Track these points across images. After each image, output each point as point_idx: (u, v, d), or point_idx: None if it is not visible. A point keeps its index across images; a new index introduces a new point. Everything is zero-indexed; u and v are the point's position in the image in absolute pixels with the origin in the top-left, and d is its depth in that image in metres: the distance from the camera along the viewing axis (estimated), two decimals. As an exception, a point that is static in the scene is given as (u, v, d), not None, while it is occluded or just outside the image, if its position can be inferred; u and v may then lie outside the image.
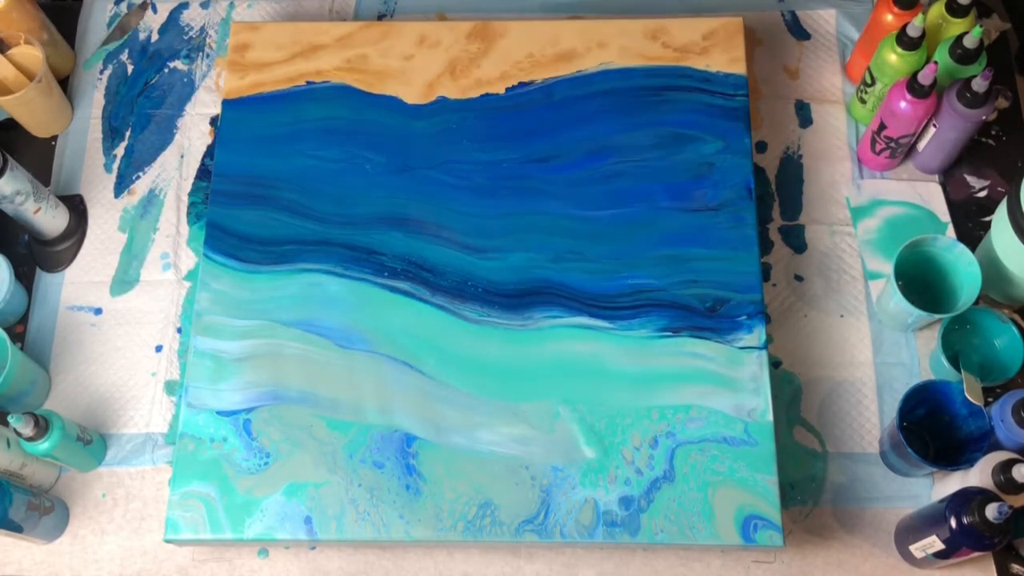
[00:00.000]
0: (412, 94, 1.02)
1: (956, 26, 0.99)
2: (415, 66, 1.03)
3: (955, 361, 0.91)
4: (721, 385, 0.89)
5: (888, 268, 0.96)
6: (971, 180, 1.05)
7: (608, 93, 1.01)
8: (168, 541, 0.87)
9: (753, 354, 0.90)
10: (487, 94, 1.02)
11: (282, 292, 0.94)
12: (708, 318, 0.91)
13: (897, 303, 0.92)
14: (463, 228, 0.96)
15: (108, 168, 1.09)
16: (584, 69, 1.02)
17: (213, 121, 1.10)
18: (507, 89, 1.02)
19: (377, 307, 0.93)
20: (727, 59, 1.02)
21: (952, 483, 0.87)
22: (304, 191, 0.98)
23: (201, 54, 1.14)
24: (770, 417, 0.88)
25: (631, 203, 0.96)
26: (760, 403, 0.88)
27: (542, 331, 0.91)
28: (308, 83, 1.03)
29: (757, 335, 0.91)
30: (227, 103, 1.02)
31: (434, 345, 0.91)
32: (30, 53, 1.05)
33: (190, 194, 1.06)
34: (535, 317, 0.92)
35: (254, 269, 0.95)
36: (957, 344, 0.94)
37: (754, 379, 0.89)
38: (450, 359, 0.91)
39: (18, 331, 1.01)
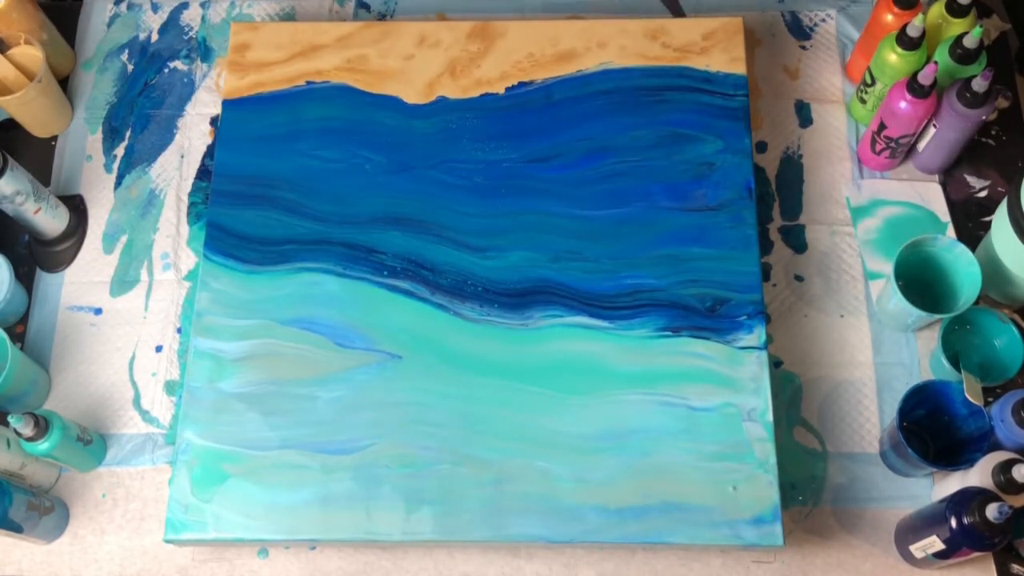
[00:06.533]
0: (412, 94, 1.02)
1: (956, 26, 0.99)
2: (415, 66, 1.03)
3: (955, 361, 0.91)
4: (721, 385, 0.89)
5: (888, 268, 0.96)
6: (971, 180, 1.05)
7: (608, 93, 1.01)
8: (168, 542, 0.87)
9: (753, 354, 0.90)
10: (487, 94, 1.02)
11: (281, 291, 0.94)
12: (708, 318, 0.91)
13: (897, 303, 0.92)
14: (463, 227, 0.96)
15: (108, 168, 1.09)
16: (584, 69, 1.02)
17: (213, 121, 1.10)
18: (507, 89, 1.02)
19: (376, 306, 0.93)
20: (727, 59, 1.02)
21: (952, 483, 0.87)
22: (304, 191, 0.98)
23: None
24: (770, 417, 0.88)
25: (631, 203, 0.96)
26: (760, 403, 0.88)
27: (542, 330, 0.91)
28: (308, 83, 1.03)
29: (757, 335, 0.91)
30: (227, 103, 1.02)
31: (434, 344, 0.91)
32: (30, 53, 1.05)
33: (190, 194, 1.06)
34: (535, 316, 0.92)
35: (254, 269, 0.95)
36: (957, 344, 0.94)
37: (754, 379, 0.89)
38: (450, 358, 0.91)
39: (18, 331, 1.01)
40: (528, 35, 1.04)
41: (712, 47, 1.03)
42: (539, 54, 1.03)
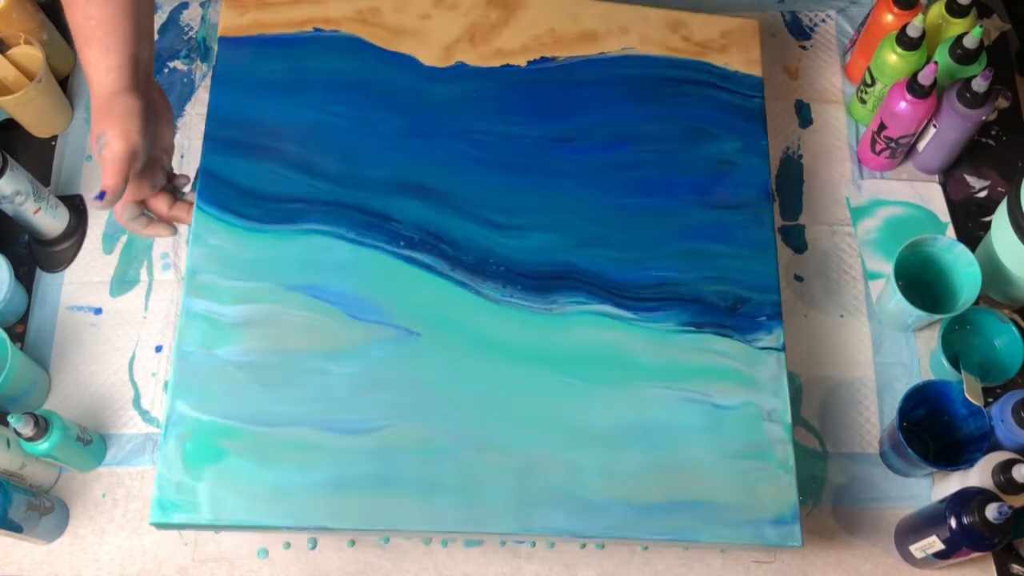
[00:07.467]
0: (429, 56, 0.96)
1: (956, 26, 0.99)
2: (431, 27, 0.98)
3: (955, 361, 0.91)
4: (742, 384, 0.88)
5: (888, 268, 0.96)
6: (971, 180, 1.05)
7: (630, 79, 0.98)
8: (156, 525, 0.79)
9: (772, 355, 0.89)
10: (508, 65, 0.97)
11: (286, 254, 0.87)
12: (729, 316, 0.90)
13: (897, 303, 0.93)
14: (484, 201, 0.91)
15: (108, 168, 1.09)
16: (606, 52, 0.99)
17: (213, 121, 1.10)
18: (529, 62, 0.98)
19: (392, 277, 0.87)
20: (744, 60, 1.01)
21: (952, 483, 0.87)
22: (311, 146, 0.91)
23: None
24: (788, 419, 0.87)
25: (653, 194, 0.94)
26: (779, 404, 0.87)
27: (567, 317, 0.88)
28: (316, 30, 0.97)
29: (776, 336, 0.90)
30: (224, 40, 0.95)
31: (454, 322, 0.86)
32: (30, 53, 1.05)
33: (190, 194, 1.07)
34: (559, 302, 0.88)
35: (255, 227, 0.88)
36: (957, 344, 0.94)
37: (773, 380, 0.88)
38: (472, 338, 0.86)
39: (18, 331, 1.01)
40: (549, 9, 1.00)
41: (730, 46, 1.01)
42: (561, 31, 0.99)
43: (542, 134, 0.95)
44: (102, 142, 0.75)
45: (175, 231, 0.84)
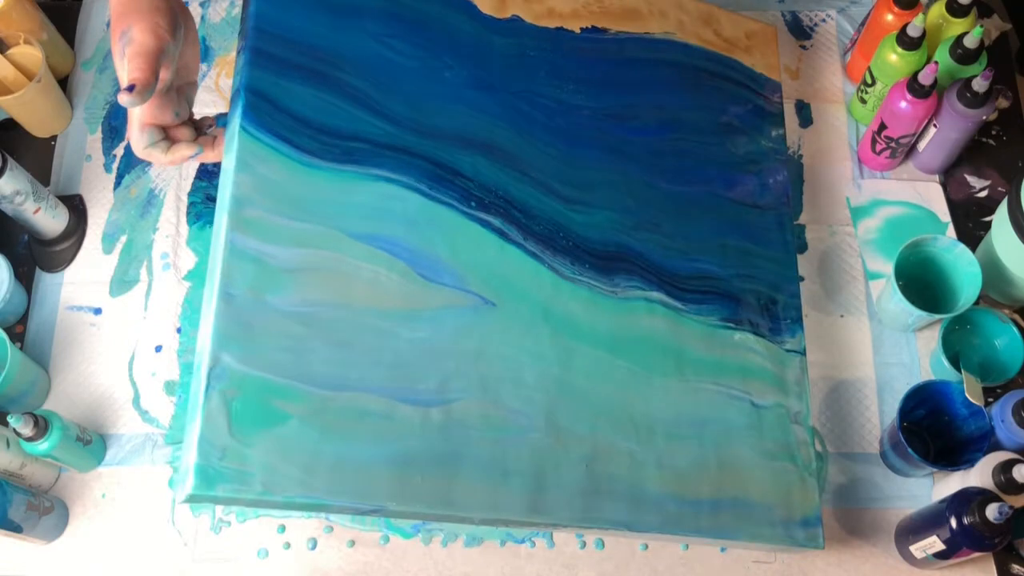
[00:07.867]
0: (485, 3, 0.89)
1: (956, 26, 0.99)
2: None
3: (955, 361, 0.91)
4: (774, 385, 0.88)
5: (888, 268, 0.96)
6: (971, 180, 1.05)
7: (674, 65, 0.97)
8: (190, 501, 0.65)
9: (796, 358, 0.90)
10: (562, 29, 0.93)
11: (352, 198, 0.76)
12: (761, 315, 0.90)
13: (897, 303, 0.92)
14: (549, 170, 0.86)
15: (108, 168, 1.09)
16: (650, 32, 0.97)
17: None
18: (582, 30, 0.94)
19: (464, 239, 0.79)
20: (764, 64, 1.02)
21: (952, 483, 0.87)
22: (374, 82, 0.80)
23: (201, 54, 1.13)
24: (811, 422, 0.88)
25: (695, 183, 0.93)
26: (803, 408, 0.88)
27: (630, 302, 0.85)
28: None
29: (798, 340, 0.90)
30: None
31: (529, 296, 0.80)
32: (30, 53, 1.05)
33: (189, 194, 1.06)
34: (621, 285, 0.85)
35: (314, 162, 0.75)
36: (957, 344, 0.94)
37: (797, 383, 0.89)
38: (547, 315, 0.81)
39: (18, 331, 1.01)
40: None
41: (753, 48, 1.02)
42: (607, 1, 0.96)
43: (598, 107, 0.91)
44: (126, 38, 0.66)
45: (200, 150, 0.75)
